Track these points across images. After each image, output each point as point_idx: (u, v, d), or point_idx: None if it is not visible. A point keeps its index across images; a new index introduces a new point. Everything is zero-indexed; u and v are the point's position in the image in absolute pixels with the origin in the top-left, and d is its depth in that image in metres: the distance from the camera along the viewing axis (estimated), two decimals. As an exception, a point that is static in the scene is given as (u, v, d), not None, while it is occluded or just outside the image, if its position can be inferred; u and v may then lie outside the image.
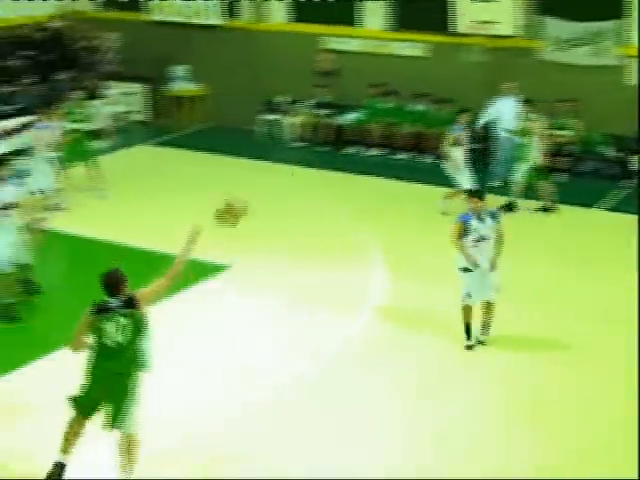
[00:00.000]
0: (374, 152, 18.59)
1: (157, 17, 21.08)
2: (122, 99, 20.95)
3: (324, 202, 15.79)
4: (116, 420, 7.71)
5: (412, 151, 18.25)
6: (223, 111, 20.32)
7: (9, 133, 18.22)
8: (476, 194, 10.61)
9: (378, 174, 17.19)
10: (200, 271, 12.58)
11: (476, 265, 10.33)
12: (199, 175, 17.36)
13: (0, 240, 11.08)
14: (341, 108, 19.01)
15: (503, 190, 15.36)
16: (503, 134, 16.01)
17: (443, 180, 15.08)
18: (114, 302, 7.69)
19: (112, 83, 21.10)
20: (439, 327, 11.01)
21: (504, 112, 16.01)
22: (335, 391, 9.69)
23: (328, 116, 19.13)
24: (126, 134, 20.39)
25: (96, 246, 13.94)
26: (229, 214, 9.07)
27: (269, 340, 10.90)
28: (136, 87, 21.21)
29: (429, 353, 10.52)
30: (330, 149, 18.91)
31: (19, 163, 16.05)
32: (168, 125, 20.87)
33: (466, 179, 14.46)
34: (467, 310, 10.50)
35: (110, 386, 7.70)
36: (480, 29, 17.26)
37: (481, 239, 10.35)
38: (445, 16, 17.63)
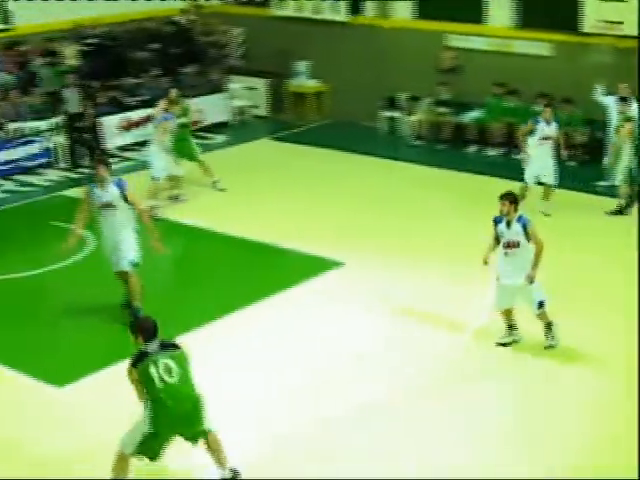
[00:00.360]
0: (494, 151, 18.27)
1: (280, 13, 21.22)
2: (245, 93, 21.15)
3: (441, 202, 15.61)
4: (198, 435, 7.77)
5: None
6: (344, 107, 20.33)
7: (134, 124, 18.74)
8: (507, 197, 10.25)
9: (497, 174, 16.85)
10: (313, 267, 12.93)
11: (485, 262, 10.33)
12: (317, 170, 17.51)
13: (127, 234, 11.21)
14: (462, 106, 18.73)
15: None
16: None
17: (563, 181, 14.74)
18: (152, 347, 7.63)
19: (235, 77, 21.34)
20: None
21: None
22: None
23: (448, 114, 18.89)
24: (247, 128, 20.69)
25: (213, 238, 14.19)
26: None
27: (369, 345, 10.69)
28: (258, 82, 21.41)
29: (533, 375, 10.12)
30: (450, 147, 18.67)
31: (142, 154, 16.54)
32: (289, 120, 21.03)
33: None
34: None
35: (178, 422, 7.65)
36: (606, 29, 16.75)
37: (509, 246, 10.14)
38: (571, 15, 17.15)
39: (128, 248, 10.98)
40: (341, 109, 20.44)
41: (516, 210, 10.20)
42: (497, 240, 10.28)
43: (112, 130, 18.55)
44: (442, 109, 18.93)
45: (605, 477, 8.09)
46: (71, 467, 8.32)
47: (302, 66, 21.04)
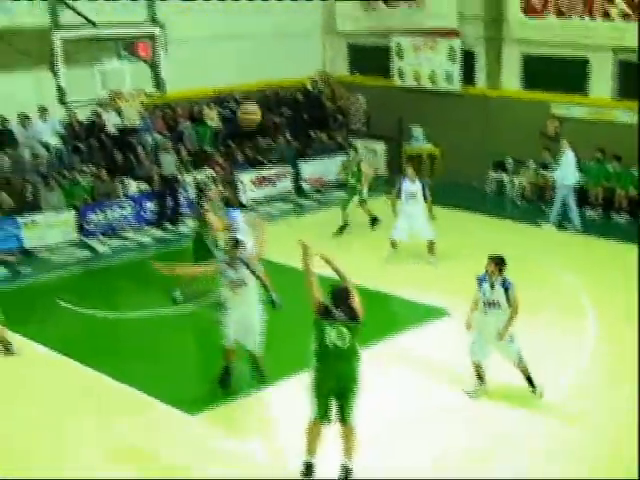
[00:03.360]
0: (594, 212, 18.70)
1: (400, 83, 22.23)
2: (366, 155, 22.07)
3: (545, 258, 15.91)
4: (345, 415, 8.64)
5: (632, 214, 18.14)
6: (455, 169, 21.05)
7: (265, 180, 19.85)
8: (494, 259, 10.37)
9: (596, 234, 17.25)
10: (419, 314, 13.30)
11: (469, 326, 10.47)
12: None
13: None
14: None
15: None
16: None
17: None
18: (339, 312, 8.59)
19: (357, 140, 22.34)
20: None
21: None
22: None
23: (552, 177, 19.33)
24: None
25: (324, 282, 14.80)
26: None
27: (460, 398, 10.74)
28: (378, 144, 22.43)
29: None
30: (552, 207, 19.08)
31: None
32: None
33: None
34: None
35: (335, 385, 8.60)
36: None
37: (489, 305, 10.29)
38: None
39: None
40: (452, 170, 21.18)
41: (501, 272, 10.33)
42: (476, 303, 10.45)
43: (247, 185, 19.78)
44: (546, 172, 19.44)
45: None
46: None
47: (418, 131, 21.91)
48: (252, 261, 10.84)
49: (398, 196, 15.69)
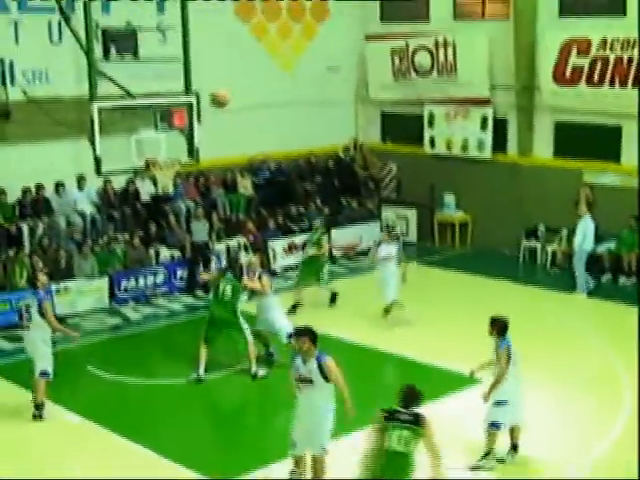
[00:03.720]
0: (627, 280, 18.52)
1: (431, 151, 22.34)
2: (397, 222, 22.17)
3: (579, 328, 15.82)
4: None
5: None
6: (486, 236, 21.10)
7: (296, 248, 19.91)
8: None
9: (629, 302, 17.04)
10: (453, 382, 13.17)
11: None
12: (460, 293, 18.17)
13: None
14: (596, 237, 19.00)
15: None
16: None
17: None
18: (404, 414, 8.40)
19: (388, 207, 22.55)
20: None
21: None
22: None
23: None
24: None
25: (361, 352, 14.87)
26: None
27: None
28: (409, 211, 22.51)
29: None
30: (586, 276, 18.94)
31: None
32: (435, 247, 21.93)
33: None
34: None
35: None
36: None
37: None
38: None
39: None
40: (484, 238, 21.20)
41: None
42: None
43: (278, 252, 19.86)
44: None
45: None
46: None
47: (449, 198, 21.95)
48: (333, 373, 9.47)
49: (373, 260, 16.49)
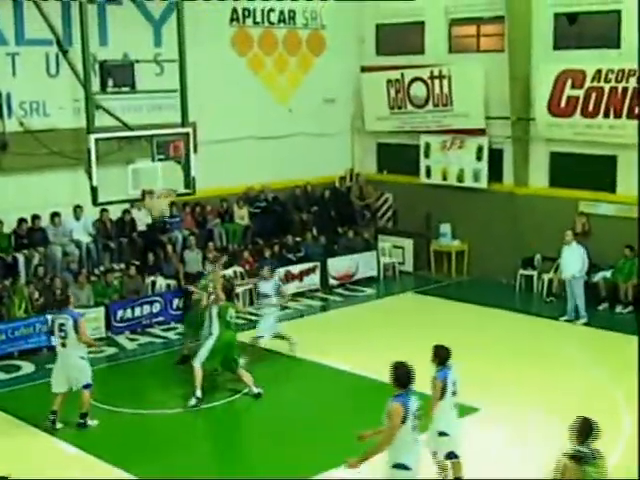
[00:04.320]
0: (623, 309, 18.52)
1: (427, 181, 22.42)
2: (393, 251, 22.23)
3: (576, 356, 15.84)
4: None
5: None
6: (482, 265, 21.13)
7: (293, 277, 19.94)
8: None
9: (626, 331, 17.02)
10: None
11: None
12: (456, 322, 18.02)
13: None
14: (592, 267, 19.02)
15: None
16: None
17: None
18: (587, 451, 7.92)
19: (385, 237, 22.59)
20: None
21: None
22: None
23: (580, 274, 19.27)
24: (394, 282, 21.66)
25: (352, 380, 14.83)
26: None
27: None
28: (405, 241, 22.51)
29: None
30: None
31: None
32: (432, 276, 21.93)
33: None
34: None
35: None
36: None
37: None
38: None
39: None
40: (480, 267, 21.23)
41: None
42: None
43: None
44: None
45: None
46: None
47: (445, 228, 21.97)
48: None
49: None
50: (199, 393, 13.71)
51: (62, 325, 12.89)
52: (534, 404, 13.42)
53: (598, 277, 18.95)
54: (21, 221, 18.01)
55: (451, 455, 10.31)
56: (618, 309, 18.61)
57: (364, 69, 23.09)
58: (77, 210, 18.54)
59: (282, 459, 11.69)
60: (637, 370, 13.05)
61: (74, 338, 12.80)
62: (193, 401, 13.71)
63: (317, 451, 11.80)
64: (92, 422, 13.08)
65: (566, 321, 17.94)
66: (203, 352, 13.95)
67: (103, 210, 18.67)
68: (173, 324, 18.24)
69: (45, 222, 18.36)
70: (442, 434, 10.23)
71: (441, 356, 10.29)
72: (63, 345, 12.92)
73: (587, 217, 19.53)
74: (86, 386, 12.96)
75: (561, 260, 18.26)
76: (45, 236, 18.18)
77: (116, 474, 11.50)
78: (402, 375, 8.87)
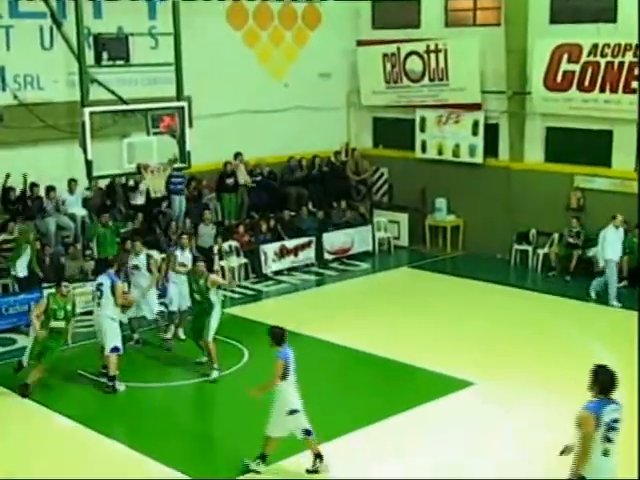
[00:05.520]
0: (618, 284, 18.44)
1: (423, 156, 22.33)
2: (388, 226, 22.19)
3: (574, 333, 15.71)
4: None
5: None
6: (477, 240, 21.11)
7: (288, 252, 19.90)
8: None
9: (624, 307, 17.04)
10: (444, 385, 13.14)
11: None
12: (450, 296, 18.13)
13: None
14: (588, 241, 19.08)
15: None
16: None
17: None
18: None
19: (380, 211, 22.55)
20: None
21: None
22: None
23: (576, 248, 19.25)
24: (389, 257, 21.67)
25: (347, 354, 14.84)
26: None
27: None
28: (400, 216, 22.48)
29: None
30: (576, 279, 18.93)
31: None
32: (427, 251, 21.91)
33: None
34: None
35: None
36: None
37: None
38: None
39: None
40: (475, 242, 21.21)
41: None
42: None
43: (270, 256, 19.78)
44: (571, 240, 19.35)
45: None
46: None
47: (441, 202, 21.94)
48: None
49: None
50: (217, 365, 13.69)
51: (100, 285, 13.58)
52: (530, 378, 13.40)
53: (593, 252, 18.94)
54: (8, 189, 17.68)
55: (309, 432, 10.30)
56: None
57: (360, 43, 22.95)
58: (71, 184, 18.42)
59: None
60: (637, 345, 13.00)
61: (109, 299, 13.41)
62: (215, 374, 13.66)
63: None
64: (120, 386, 13.26)
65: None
66: (213, 325, 13.84)
67: (96, 183, 18.50)
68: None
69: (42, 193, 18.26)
70: (293, 412, 10.21)
71: (276, 337, 10.14)
72: (98, 305, 13.61)
73: (582, 192, 19.52)
74: (113, 349, 13.28)
75: (604, 242, 17.49)
76: (42, 206, 18.04)
77: (109, 445, 11.48)
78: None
